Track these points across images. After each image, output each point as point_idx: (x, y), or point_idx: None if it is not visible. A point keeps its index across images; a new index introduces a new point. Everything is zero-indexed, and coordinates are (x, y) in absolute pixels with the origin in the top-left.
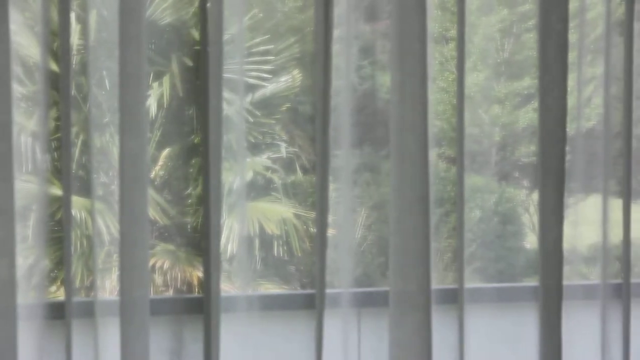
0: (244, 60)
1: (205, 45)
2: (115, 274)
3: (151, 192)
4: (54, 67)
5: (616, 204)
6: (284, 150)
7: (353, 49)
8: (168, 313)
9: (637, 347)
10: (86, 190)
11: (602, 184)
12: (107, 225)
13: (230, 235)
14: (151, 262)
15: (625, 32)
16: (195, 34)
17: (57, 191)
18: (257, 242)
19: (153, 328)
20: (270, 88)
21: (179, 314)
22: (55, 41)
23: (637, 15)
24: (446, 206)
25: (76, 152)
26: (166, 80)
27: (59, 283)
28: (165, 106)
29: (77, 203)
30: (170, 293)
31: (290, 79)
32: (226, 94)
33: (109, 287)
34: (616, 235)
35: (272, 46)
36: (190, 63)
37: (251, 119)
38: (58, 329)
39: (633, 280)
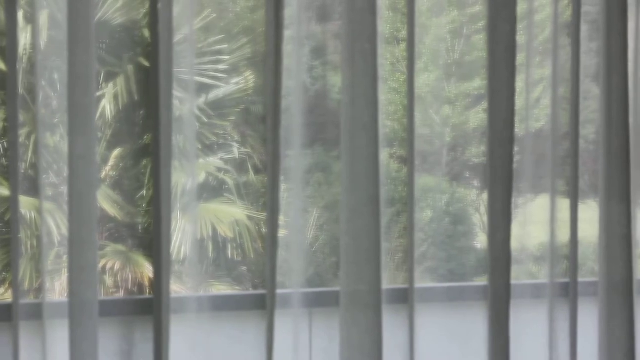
0: (195, 61)
1: (156, 46)
2: (65, 276)
3: (104, 191)
4: (1, 66)
5: (564, 204)
6: (236, 151)
7: (305, 50)
8: (118, 314)
9: (583, 345)
10: (36, 190)
11: (550, 184)
12: (58, 226)
13: (183, 237)
14: (102, 263)
15: (573, 34)
16: (147, 35)
17: (6, 192)
18: (209, 244)
19: (102, 329)
20: (223, 89)
21: (129, 315)
22: (3, 41)
23: (584, 18)
24: (398, 206)
25: (28, 152)
26: (119, 80)
27: (7, 285)
28: (117, 106)
29: (27, 204)
30: (121, 294)
31: (243, 80)
32: (179, 94)
33: (58, 289)
34: (564, 234)
35: (226, 46)
36: (142, 63)
37: (205, 120)
38: (5, 331)
39: (580, 279)
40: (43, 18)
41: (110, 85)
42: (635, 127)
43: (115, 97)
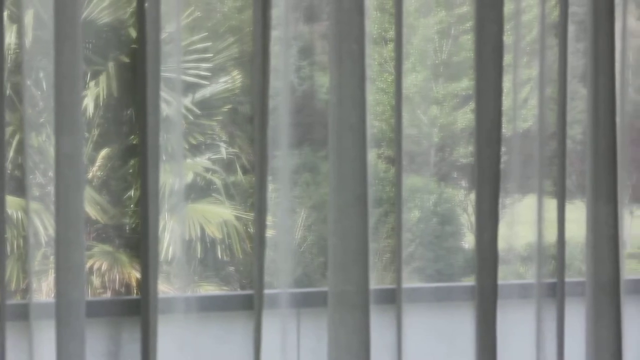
0: (182, 60)
1: (143, 44)
2: (52, 276)
3: (91, 192)
4: None
5: (551, 204)
6: (224, 151)
7: (292, 50)
8: (105, 315)
9: (571, 345)
10: (23, 190)
11: (538, 184)
12: (45, 227)
13: (171, 237)
14: (89, 264)
15: (560, 34)
16: (134, 34)
17: None
18: (197, 244)
19: (90, 330)
20: (210, 89)
21: (116, 315)
22: None
23: (571, 18)
24: (385, 206)
25: (14, 152)
26: (105, 80)
27: None
28: (103, 106)
29: (14, 204)
30: (108, 295)
31: (230, 80)
32: (166, 94)
33: (45, 289)
34: (551, 234)
35: (212, 45)
36: (128, 63)
37: (191, 119)
38: None
39: (567, 279)
40: (28, 17)
41: (97, 85)
42: (622, 128)
43: (102, 97)
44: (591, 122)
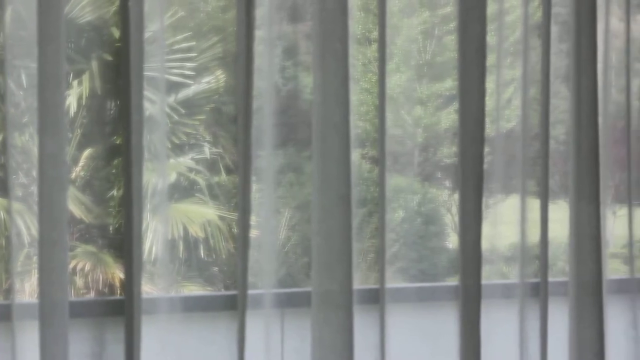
0: (166, 59)
1: (126, 44)
2: (35, 277)
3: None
4: None
5: (534, 204)
6: (207, 151)
7: (276, 50)
8: (88, 315)
9: (554, 344)
10: (5, 191)
11: (521, 184)
12: (28, 227)
13: (154, 237)
14: (72, 264)
15: (543, 35)
16: (116, 33)
17: None
18: (181, 244)
19: (73, 331)
20: (193, 88)
21: (100, 316)
22: None
23: (555, 19)
24: (369, 206)
25: None
26: (88, 79)
27: None
28: (86, 106)
29: None
30: (91, 295)
31: (214, 79)
32: (149, 94)
33: (28, 290)
34: (534, 234)
35: (196, 44)
36: (111, 61)
37: (175, 119)
38: None
39: (551, 279)
40: (9, 16)
41: (80, 84)
42: (604, 128)
43: (85, 96)
44: (574, 123)
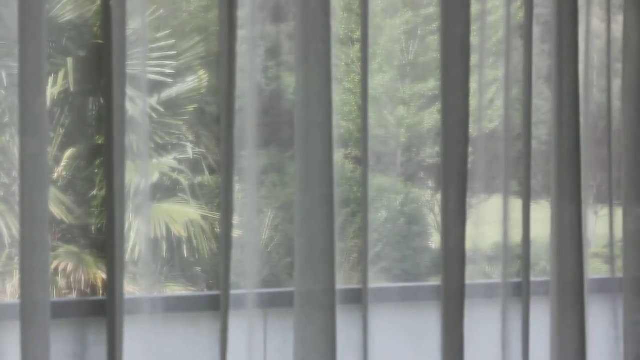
0: (148, 57)
1: (108, 43)
2: (16, 277)
3: (56, 193)
4: None
5: (517, 204)
6: (190, 150)
7: (259, 50)
8: (70, 316)
9: (536, 344)
10: None
11: (503, 184)
12: (9, 227)
13: (137, 237)
14: (54, 265)
15: (525, 35)
16: (98, 32)
17: None
18: (163, 244)
19: (55, 331)
20: (176, 88)
21: (82, 316)
22: None
23: (537, 20)
24: (352, 206)
25: None
26: (69, 79)
27: None
28: (68, 105)
29: None
30: (74, 295)
31: (197, 79)
32: (132, 93)
33: (10, 291)
34: (517, 234)
35: (178, 44)
36: (93, 61)
37: (157, 119)
38: None
39: (533, 278)
40: None
41: (61, 84)
42: (586, 128)
43: (66, 96)
44: (555, 123)
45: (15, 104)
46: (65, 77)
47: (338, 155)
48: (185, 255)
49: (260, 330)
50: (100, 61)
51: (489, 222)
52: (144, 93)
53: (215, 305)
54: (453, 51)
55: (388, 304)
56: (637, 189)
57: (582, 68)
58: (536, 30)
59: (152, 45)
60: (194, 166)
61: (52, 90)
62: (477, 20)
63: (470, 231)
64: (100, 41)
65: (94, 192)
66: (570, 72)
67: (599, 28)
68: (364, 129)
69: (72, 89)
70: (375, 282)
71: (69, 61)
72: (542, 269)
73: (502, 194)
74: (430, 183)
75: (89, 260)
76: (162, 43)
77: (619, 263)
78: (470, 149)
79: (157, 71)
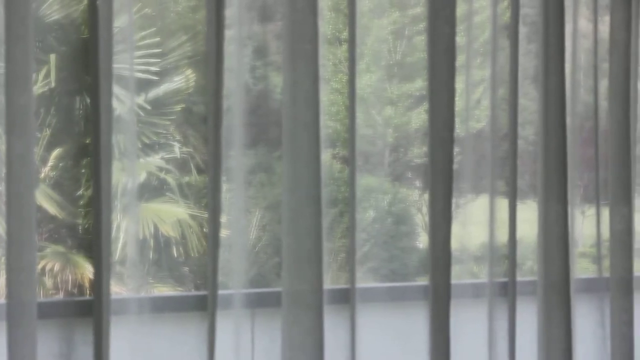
0: (135, 56)
1: (95, 43)
2: (3, 277)
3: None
4: None
5: (504, 204)
6: (178, 150)
7: (247, 50)
8: (57, 316)
9: (522, 343)
10: None
11: (490, 184)
12: None
13: (124, 237)
14: (41, 265)
15: (511, 35)
16: (85, 31)
17: None
18: (151, 244)
19: (42, 332)
20: (163, 88)
21: (69, 317)
22: None
23: (523, 20)
24: (340, 206)
25: None
26: (55, 78)
27: None
28: (54, 105)
29: None
30: (60, 296)
31: (184, 79)
32: (119, 93)
33: None
34: (503, 234)
35: (166, 43)
36: (80, 60)
37: (145, 118)
38: None
39: (519, 278)
40: None
41: (47, 83)
42: (572, 128)
43: (53, 95)
44: (542, 123)
45: (2, 104)
46: (48, 75)
47: (326, 155)
48: (174, 254)
49: (248, 330)
50: (87, 60)
51: (476, 222)
52: (131, 92)
53: (203, 305)
54: (440, 51)
55: (376, 304)
56: (624, 189)
57: (568, 68)
58: (523, 30)
59: (139, 44)
60: (182, 166)
61: (37, 89)
62: (464, 20)
63: (458, 231)
64: (86, 37)
65: (81, 192)
66: (557, 72)
67: (585, 28)
68: (351, 129)
69: (53, 85)
70: (363, 282)
71: (52, 57)
72: (529, 268)
73: (489, 193)
74: (418, 183)
75: (76, 261)
76: (149, 41)
77: (606, 263)
78: (457, 149)
79: (143, 69)
